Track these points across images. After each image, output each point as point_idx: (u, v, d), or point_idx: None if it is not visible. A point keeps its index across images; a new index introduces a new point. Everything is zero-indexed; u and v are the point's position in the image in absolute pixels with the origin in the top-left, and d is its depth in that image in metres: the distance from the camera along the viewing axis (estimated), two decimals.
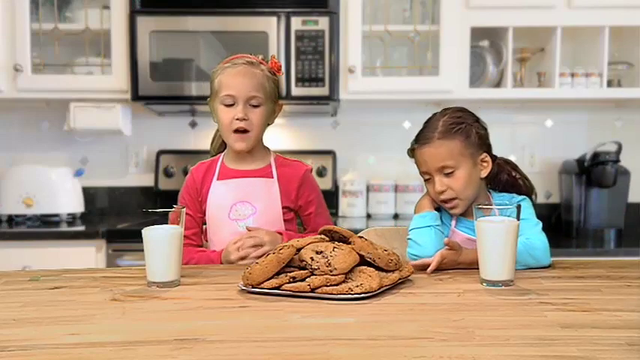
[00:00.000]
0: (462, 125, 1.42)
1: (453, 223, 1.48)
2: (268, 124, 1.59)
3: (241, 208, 1.54)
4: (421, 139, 1.44)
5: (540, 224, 1.43)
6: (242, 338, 0.86)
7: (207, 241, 1.61)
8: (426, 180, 1.46)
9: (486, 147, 1.46)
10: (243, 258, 1.46)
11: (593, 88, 2.69)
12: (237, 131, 1.51)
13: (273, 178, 1.57)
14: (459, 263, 1.34)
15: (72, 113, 2.72)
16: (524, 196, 1.49)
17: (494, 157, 1.48)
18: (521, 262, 1.32)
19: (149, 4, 2.60)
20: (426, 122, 1.47)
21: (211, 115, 1.60)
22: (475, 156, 1.43)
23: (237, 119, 1.49)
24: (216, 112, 1.55)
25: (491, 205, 1.39)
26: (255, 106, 1.52)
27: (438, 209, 1.48)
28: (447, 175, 1.41)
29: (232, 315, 1.01)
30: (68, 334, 0.89)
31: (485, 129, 1.47)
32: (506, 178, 1.52)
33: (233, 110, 1.50)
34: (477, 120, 1.46)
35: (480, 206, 1.23)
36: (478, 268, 1.23)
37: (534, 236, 1.38)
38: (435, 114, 1.48)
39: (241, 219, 1.54)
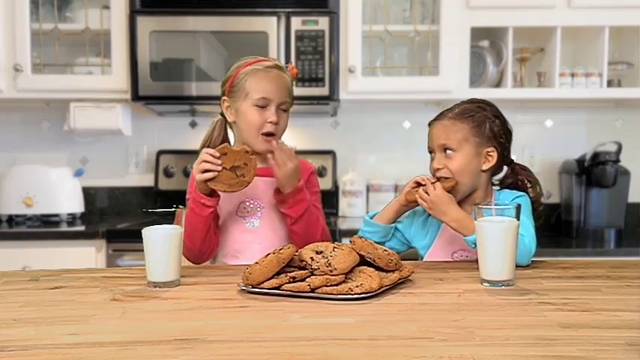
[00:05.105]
0: (477, 114, 1.46)
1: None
2: None
3: (249, 206, 1.55)
4: (438, 115, 1.50)
5: (531, 227, 1.41)
6: (242, 338, 0.86)
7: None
8: (431, 156, 1.51)
9: (498, 143, 1.47)
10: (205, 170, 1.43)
11: (593, 88, 2.69)
12: (266, 134, 1.52)
13: None
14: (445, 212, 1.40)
15: (72, 113, 2.72)
16: (524, 194, 1.49)
17: (509, 160, 1.51)
18: None
19: (149, 4, 2.60)
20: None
21: (225, 113, 1.58)
22: (481, 146, 1.46)
23: (271, 122, 1.51)
24: (241, 112, 1.54)
25: (490, 201, 1.42)
26: (284, 111, 1.56)
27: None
28: (447, 155, 1.45)
29: (232, 315, 1.01)
30: (68, 334, 0.89)
31: (506, 128, 1.49)
32: (514, 181, 1.53)
33: (265, 113, 1.52)
34: (499, 117, 1.49)
35: (480, 206, 1.23)
36: (462, 233, 1.35)
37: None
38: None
39: (248, 216, 1.55)
